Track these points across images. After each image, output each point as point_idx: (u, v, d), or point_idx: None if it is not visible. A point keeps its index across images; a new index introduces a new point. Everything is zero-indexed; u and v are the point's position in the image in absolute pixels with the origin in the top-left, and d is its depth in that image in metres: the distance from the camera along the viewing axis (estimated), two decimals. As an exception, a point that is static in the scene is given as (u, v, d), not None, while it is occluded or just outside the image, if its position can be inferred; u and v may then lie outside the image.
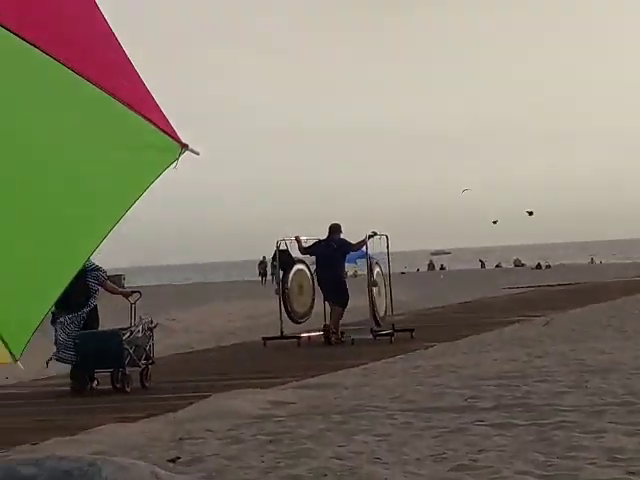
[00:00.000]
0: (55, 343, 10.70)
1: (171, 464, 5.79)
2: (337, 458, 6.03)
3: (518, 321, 17.81)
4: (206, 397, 9.34)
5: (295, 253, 16.27)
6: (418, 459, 5.93)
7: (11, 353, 3.28)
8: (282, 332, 15.66)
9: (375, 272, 16.27)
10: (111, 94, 2.99)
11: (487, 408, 7.92)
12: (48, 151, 3.10)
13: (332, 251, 15.31)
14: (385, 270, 16.73)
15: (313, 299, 16.53)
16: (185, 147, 2.96)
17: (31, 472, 4.95)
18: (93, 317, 10.93)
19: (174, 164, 2.95)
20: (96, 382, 10.71)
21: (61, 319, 10.54)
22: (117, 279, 47.99)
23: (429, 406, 8.24)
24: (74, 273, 3.25)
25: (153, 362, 10.91)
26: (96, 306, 10.94)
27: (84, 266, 10.38)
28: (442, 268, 69.64)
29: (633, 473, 5.37)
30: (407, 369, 11.31)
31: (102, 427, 8.03)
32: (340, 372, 11.39)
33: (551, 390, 8.71)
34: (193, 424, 7.98)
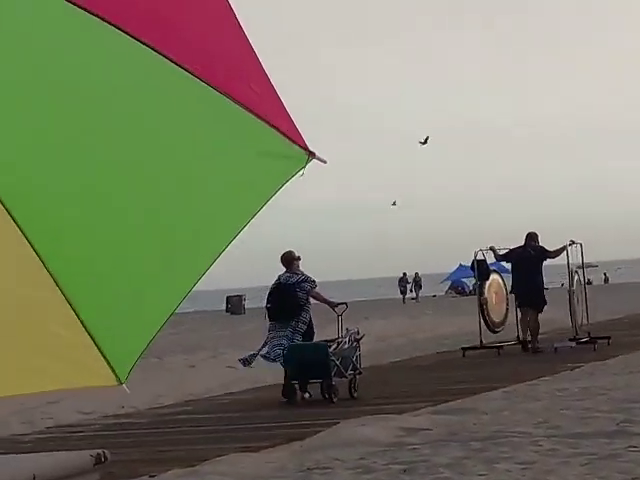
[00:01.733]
0: (264, 345, 11.56)
1: None
2: None
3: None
4: (334, 424, 9.19)
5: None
6: None
7: (117, 376, 3.36)
8: (481, 342, 15.85)
9: (575, 280, 16.23)
10: (238, 102, 3.03)
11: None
12: (175, 162, 3.18)
13: (529, 257, 15.49)
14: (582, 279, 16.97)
15: (507, 309, 16.82)
16: (312, 155, 2.96)
17: None
18: (309, 330, 11.62)
19: (301, 172, 2.97)
20: (308, 394, 11.14)
21: (276, 327, 11.47)
22: (236, 300, 49.00)
23: (577, 431, 8.04)
24: (183, 297, 3.26)
25: (360, 372, 11.27)
26: (311, 318, 11.61)
27: (293, 280, 11.53)
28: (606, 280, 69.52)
29: None
30: (552, 391, 11.16)
31: (224, 457, 7.92)
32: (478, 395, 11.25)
33: None
34: (321, 453, 7.81)
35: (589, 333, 15.43)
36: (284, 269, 11.72)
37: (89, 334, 3.40)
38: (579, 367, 13.38)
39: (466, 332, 20.31)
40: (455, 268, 56.33)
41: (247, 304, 50.21)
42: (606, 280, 67.22)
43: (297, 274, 11.55)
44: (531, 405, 9.97)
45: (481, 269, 16.82)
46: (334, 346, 11.14)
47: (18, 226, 3.13)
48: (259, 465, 7.53)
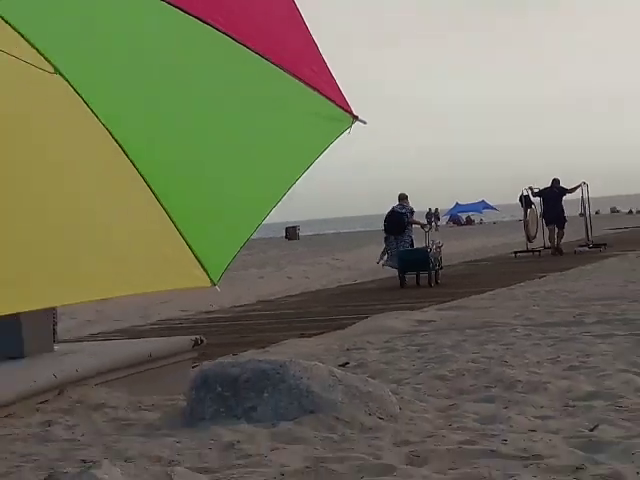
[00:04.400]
0: (384, 253, 15.06)
1: (342, 367, 5.89)
2: (472, 362, 6.03)
3: (615, 255, 17.23)
4: (366, 318, 9.44)
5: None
6: (538, 362, 5.90)
7: (211, 279, 3.16)
8: (527, 248, 20.02)
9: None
10: (292, 73, 2.82)
11: (592, 322, 7.79)
12: (248, 116, 2.95)
13: (555, 194, 19.43)
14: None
15: (537, 228, 20.63)
16: (356, 118, 2.80)
17: (237, 371, 5.06)
18: (411, 241, 14.70)
19: (348, 131, 2.82)
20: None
21: (391, 239, 14.60)
22: (292, 230, 48.79)
23: (545, 321, 8.14)
24: (261, 221, 3.05)
25: (442, 267, 14.42)
26: (410, 234, 14.80)
27: (402, 210, 14.92)
28: None
29: None
30: (525, 294, 11.21)
31: (286, 341, 8.22)
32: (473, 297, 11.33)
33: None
34: (357, 338, 8.10)
35: (592, 241, 20.35)
36: (397, 202, 15.06)
37: (191, 250, 3.18)
38: (544, 276, 13.95)
39: (494, 245, 26.01)
40: (453, 206, 58.16)
41: (300, 232, 50.76)
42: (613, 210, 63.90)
43: (405, 206, 14.77)
44: (511, 303, 10.24)
45: (526, 200, 20.80)
46: (430, 250, 14.09)
47: (135, 167, 2.93)
48: (312, 347, 7.83)
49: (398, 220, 14.47)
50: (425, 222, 19.04)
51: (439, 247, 14.25)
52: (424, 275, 13.75)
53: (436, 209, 48.64)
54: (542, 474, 3.35)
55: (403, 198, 14.92)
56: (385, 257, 14.92)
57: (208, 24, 2.58)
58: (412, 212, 14.98)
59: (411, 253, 14.07)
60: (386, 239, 14.77)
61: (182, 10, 2.50)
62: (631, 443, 3.62)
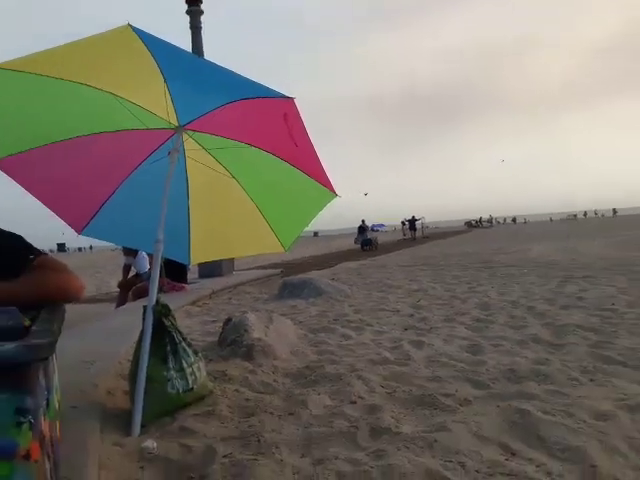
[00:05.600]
0: (357, 239, 36.82)
1: (331, 280, 12.71)
2: (377, 279, 13.07)
3: (432, 241, 35.78)
4: (341, 263, 17.43)
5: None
6: (402, 278, 12.85)
7: (284, 247, 4.37)
8: (404, 237, 43.77)
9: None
10: (306, 173, 3.94)
11: (421, 264, 14.95)
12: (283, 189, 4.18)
13: (412, 220, 46.16)
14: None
15: (407, 232, 47.28)
16: (337, 195, 3.97)
17: (295, 280, 11.18)
18: (367, 235, 36.28)
19: (330, 203, 3.99)
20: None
21: (360, 233, 36.99)
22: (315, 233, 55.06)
23: (407, 264, 15.28)
24: (308, 222, 4.24)
25: (377, 246, 36.25)
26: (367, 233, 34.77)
27: (364, 224, 36.08)
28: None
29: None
30: (402, 253, 20.07)
31: (311, 272, 15.09)
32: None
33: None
34: (336, 270, 15.24)
35: (427, 236, 44.52)
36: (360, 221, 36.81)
37: (273, 231, 4.38)
38: (410, 247, 30.26)
39: (395, 238, 49.06)
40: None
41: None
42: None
43: (365, 225, 36.60)
44: (398, 257, 18.96)
45: (409, 222, 45.51)
46: (372, 239, 36.42)
47: (246, 192, 4.27)
48: (321, 273, 13.77)
49: (363, 227, 36.58)
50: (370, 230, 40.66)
51: (376, 238, 34.36)
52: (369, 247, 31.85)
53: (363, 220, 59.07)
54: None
55: (363, 221, 37.47)
56: (357, 240, 33.85)
57: (272, 153, 3.90)
58: (370, 226, 34.59)
59: (367, 240, 33.99)
60: (359, 232, 36.01)
61: (265, 150, 3.88)
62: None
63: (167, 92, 3.41)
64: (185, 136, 4.03)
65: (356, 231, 37.60)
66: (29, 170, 3.47)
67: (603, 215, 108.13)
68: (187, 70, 3.23)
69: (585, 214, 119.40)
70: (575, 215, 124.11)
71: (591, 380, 4.47)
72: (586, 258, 15.45)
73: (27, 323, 1.98)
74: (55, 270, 2.39)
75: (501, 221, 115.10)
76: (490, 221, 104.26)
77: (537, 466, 3.06)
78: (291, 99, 3.31)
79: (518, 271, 13.20)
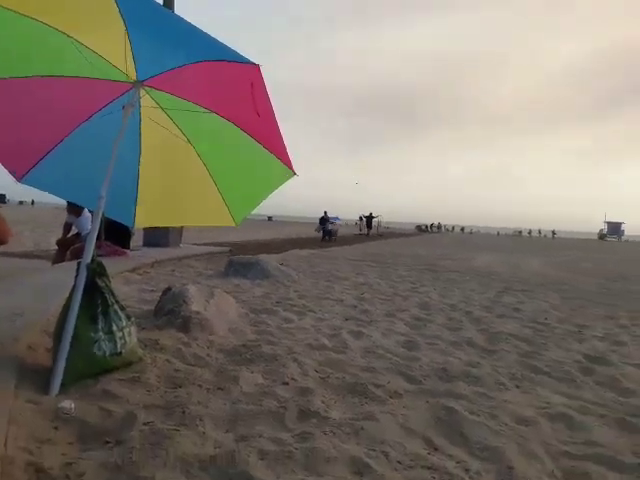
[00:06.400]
0: (318, 229, 37.60)
1: (280, 264, 12.82)
2: (326, 270, 13.17)
3: (384, 239, 36.43)
4: (293, 249, 17.34)
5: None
6: (349, 271, 12.98)
7: (235, 222, 4.25)
8: (360, 232, 46.77)
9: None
10: (266, 147, 3.80)
11: (370, 260, 15.25)
12: (241, 159, 3.98)
13: (369, 217, 49.66)
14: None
15: (362, 228, 49.83)
16: (295, 173, 3.87)
17: (242, 259, 11.85)
18: (328, 226, 36.78)
19: (289, 179, 3.88)
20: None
21: (321, 224, 36.84)
22: (270, 218, 55.46)
23: (355, 258, 15.52)
24: (263, 198, 4.07)
25: (336, 237, 36.82)
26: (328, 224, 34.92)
27: (325, 215, 35.93)
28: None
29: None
30: (356, 247, 20.22)
31: (262, 255, 14.35)
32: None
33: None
34: (287, 256, 15.42)
35: (381, 234, 46.53)
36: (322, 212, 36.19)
37: (225, 203, 4.23)
38: (362, 242, 30.53)
39: (350, 232, 47.23)
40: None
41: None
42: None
43: (327, 216, 37.02)
44: (350, 251, 18.69)
45: (366, 218, 48.39)
46: (332, 230, 34.58)
47: (205, 165, 4.11)
48: (271, 256, 14.08)
49: (325, 219, 36.29)
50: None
51: (337, 230, 34.90)
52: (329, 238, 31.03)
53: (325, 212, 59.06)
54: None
55: (325, 212, 37.26)
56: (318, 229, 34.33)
57: (233, 123, 3.75)
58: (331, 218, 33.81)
59: (327, 231, 34.07)
60: (320, 223, 36.13)
61: (225, 119, 3.74)
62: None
63: (127, 41, 3.24)
64: (142, 92, 3.89)
65: (317, 221, 38.08)
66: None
67: (545, 235, 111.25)
68: (151, 19, 3.06)
69: (530, 232, 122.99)
70: (520, 232, 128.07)
71: (517, 387, 4.63)
72: (526, 273, 16.09)
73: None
74: None
75: (450, 229, 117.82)
76: (439, 227, 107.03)
77: (457, 462, 3.13)
78: (257, 66, 3.18)
79: (460, 277, 13.58)
